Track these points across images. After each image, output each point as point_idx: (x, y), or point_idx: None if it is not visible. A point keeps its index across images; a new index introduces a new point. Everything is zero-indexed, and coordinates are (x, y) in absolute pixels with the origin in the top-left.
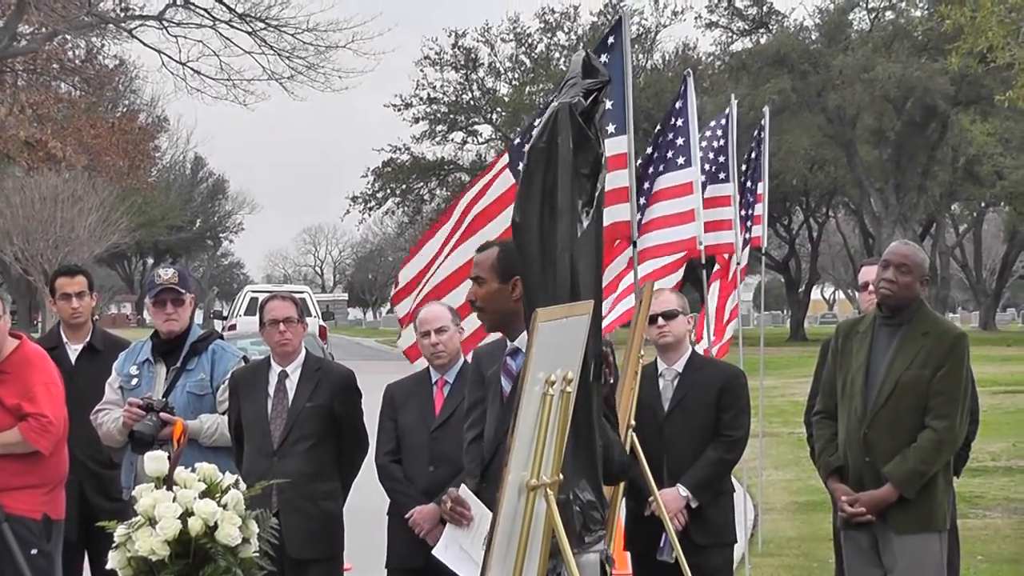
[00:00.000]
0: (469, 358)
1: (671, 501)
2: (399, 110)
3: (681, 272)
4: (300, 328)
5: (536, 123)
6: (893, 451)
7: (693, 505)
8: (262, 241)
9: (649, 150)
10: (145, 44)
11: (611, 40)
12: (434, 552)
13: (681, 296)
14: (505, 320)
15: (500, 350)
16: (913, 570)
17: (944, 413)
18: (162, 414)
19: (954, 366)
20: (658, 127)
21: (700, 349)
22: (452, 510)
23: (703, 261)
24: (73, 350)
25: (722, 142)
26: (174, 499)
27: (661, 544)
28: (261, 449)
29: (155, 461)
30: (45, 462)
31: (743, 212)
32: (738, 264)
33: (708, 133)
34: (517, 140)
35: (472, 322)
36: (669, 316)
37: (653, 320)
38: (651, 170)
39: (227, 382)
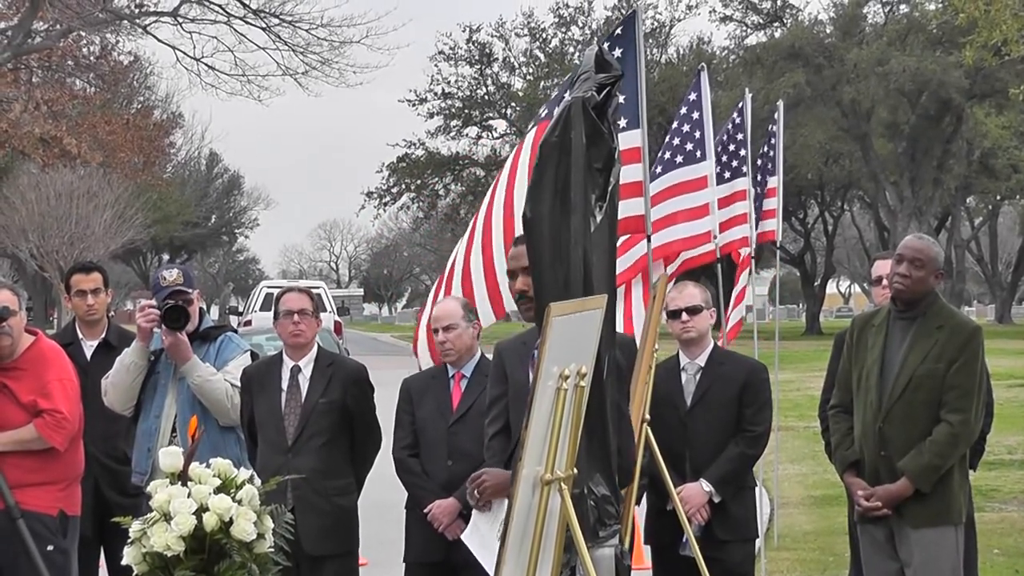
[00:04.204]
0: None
1: (694, 496)
2: (413, 105)
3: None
4: (314, 322)
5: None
6: (908, 445)
7: (716, 500)
8: (277, 237)
9: (661, 153)
10: (159, 40)
11: (623, 32)
12: (462, 536)
13: (704, 290)
14: None
15: (522, 344)
16: (929, 564)
17: (959, 407)
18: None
19: (969, 360)
20: (673, 124)
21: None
22: (471, 485)
23: (719, 257)
24: (89, 346)
25: (738, 137)
26: (189, 495)
27: (684, 539)
28: (275, 445)
29: (170, 456)
30: (60, 458)
31: (756, 203)
32: (750, 254)
33: (725, 127)
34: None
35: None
36: (693, 311)
37: (676, 315)
38: (660, 168)
39: (230, 365)
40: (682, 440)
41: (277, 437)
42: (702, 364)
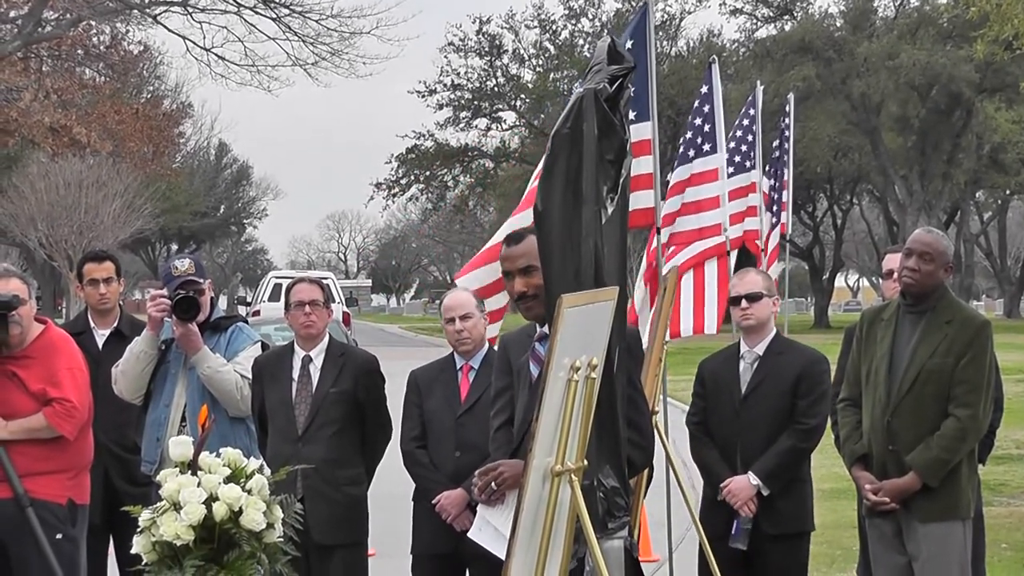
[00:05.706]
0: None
1: (741, 489)
2: (423, 96)
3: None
4: (325, 312)
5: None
6: (916, 439)
7: (764, 493)
8: (286, 227)
9: (680, 146)
10: (169, 30)
11: (635, 25)
12: (470, 535)
13: (767, 278)
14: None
15: (527, 336)
16: (937, 558)
17: (967, 401)
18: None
19: (978, 354)
20: (690, 119)
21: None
22: (484, 478)
23: (728, 250)
24: (100, 336)
25: (752, 129)
26: (199, 484)
27: (734, 531)
28: (285, 435)
29: (180, 446)
30: (70, 447)
31: (774, 196)
32: (763, 251)
33: (736, 121)
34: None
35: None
36: (753, 298)
37: (736, 301)
38: (677, 162)
39: (241, 356)
40: (735, 429)
41: (287, 426)
42: (760, 353)
